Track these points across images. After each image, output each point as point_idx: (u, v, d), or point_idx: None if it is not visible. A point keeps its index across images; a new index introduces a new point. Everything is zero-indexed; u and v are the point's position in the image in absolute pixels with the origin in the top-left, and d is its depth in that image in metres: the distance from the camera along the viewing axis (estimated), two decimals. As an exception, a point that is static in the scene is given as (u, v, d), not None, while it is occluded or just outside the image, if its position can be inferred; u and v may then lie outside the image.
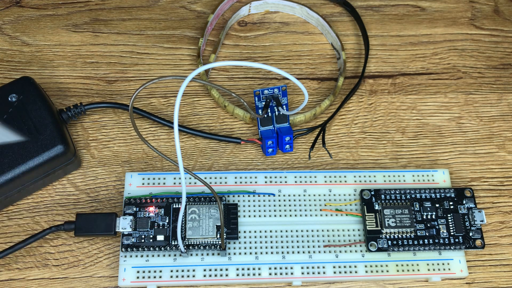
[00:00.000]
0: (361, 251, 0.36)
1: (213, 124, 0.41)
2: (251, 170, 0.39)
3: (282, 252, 0.36)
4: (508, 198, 0.40)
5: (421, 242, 0.36)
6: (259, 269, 0.35)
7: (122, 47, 0.44)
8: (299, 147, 0.41)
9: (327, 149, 0.40)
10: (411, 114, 0.43)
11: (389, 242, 0.36)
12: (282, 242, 0.36)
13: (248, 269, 0.35)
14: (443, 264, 0.36)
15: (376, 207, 0.36)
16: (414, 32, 0.46)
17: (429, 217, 0.36)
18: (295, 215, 0.37)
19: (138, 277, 0.34)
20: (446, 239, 0.36)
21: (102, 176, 0.39)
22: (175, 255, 0.35)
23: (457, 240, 0.36)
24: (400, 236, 0.36)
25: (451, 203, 0.37)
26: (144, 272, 0.35)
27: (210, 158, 0.40)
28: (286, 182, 0.38)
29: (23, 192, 0.37)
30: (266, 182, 0.38)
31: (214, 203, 0.35)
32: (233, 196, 0.37)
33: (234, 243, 0.36)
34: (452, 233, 0.36)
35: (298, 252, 0.36)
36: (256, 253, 0.36)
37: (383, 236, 0.36)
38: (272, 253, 0.36)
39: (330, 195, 0.38)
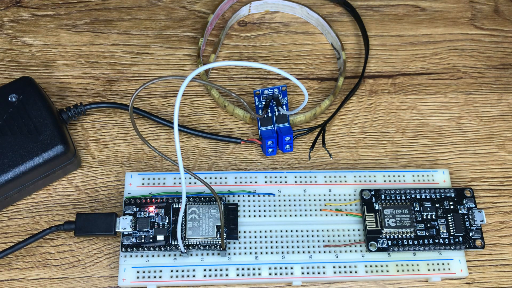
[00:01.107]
0: (361, 251, 0.36)
1: (213, 124, 0.41)
2: (251, 170, 0.39)
3: (282, 252, 0.36)
4: (508, 198, 0.40)
5: (421, 242, 0.36)
6: (259, 269, 0.35)
7: (122, 47, 0.44)
8: (299, 147, 0.41)
9: (327, 149, 0.40)
10: (411, 114, 0.43)
11: (389, 242, 0.36)
12: (282, 242, 0.36)
13: (248, 269, 0.35)
14: (443, 264, 0.36)
15: (376, 207, 0.36)
16: (414, 32, 0.46)
17: (429, 217, 0.36)
18: (295, 215, 0.37)
19: (138, 277, 0.34)
20: (446, 239, 0.36)
21: (102, 176, 0.39)
22: (175, 255, 0.35)
23: (457, 240, 0.36)
24: (400, 236, 0.36)
25: (451, 203, 0.37)
26: (144, 272, 0.35)
27: (210, 158, 0.40)
28: (286, 182, 0.38)
29: (23, 192, 0.37)
30: (266, 182, 0.38)
31: (214, 203, 0.35)
32: (233, 196, 0.37)
33: (234, 243, 0.36)
34: (452, 233, 0.36)
35: (298, 252, 0.36)
36: (256, 253, 0.36)
37: (383, 236, 0.36)
38: (272, 253, 0.36)
39: (330, 195, 0.38)
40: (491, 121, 0.43)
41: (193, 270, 0.35)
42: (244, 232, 0.36)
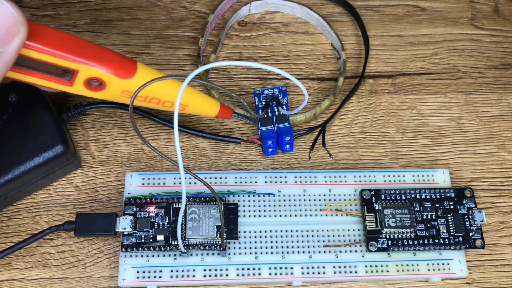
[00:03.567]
0: (361, 251, 0.36)
1: (213, 124, 0.41)
2: (251, 170, 0.39)
3: (282, 252, 0.36)
4: (508, 198, 0.40)
5: (421, 242, 0.36)
6: (259, 269, 0.35)
7: (122, 47, 0.44)
8: (299, 147, 0.41)
9: (327, 149, 0.40)
10: (411, 114, 0.43)
11: (389, 242, 0.36)
12: (282, 242, 0.36)
13: (248, 269, 0.35)
14: (443, 264, 0.36)
15: (376, 207, 0.36)
16: (414, 32, 0.46)
17: (429, 217, 0.36)
18: (295, 215, 0.37)
19: (138, 277, 0.34)
20: (446, 239, 0.36)
21: (102, 176, 0.39)
22: (175, 255, 0.35)
23: (457, 240, 0.36)
24: (400, 236, 0.36)
25: (451, 203, 0.37)
26: (144, 272, 0.35)
27: (210, 158, 0.40)
28: (286, 182, 0.38)
29: (23, 192, 0.37)
30: (266, 182, 0.38)
31: (214, 203, 0.35)
32: (233, 196, 0.37)
33: (234, 243, 0.36)
34: (452, 233, 0.36)
35: (298, 252, 0.36)
36: (256, 253, 0.36)
37: (383, 236, 0.36)
38: (272, 253, 0.36)
39: (330, 195, 0.38)
40: (491, 121, 0.43)
41: (193, 270, 0.35)
42: (244, 232, 0.36)
